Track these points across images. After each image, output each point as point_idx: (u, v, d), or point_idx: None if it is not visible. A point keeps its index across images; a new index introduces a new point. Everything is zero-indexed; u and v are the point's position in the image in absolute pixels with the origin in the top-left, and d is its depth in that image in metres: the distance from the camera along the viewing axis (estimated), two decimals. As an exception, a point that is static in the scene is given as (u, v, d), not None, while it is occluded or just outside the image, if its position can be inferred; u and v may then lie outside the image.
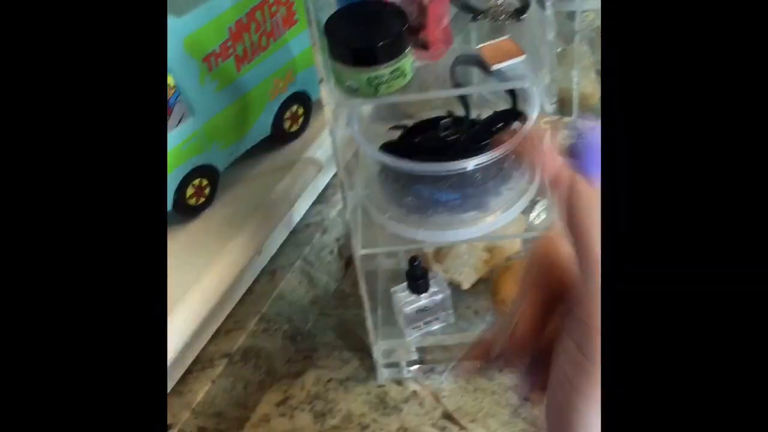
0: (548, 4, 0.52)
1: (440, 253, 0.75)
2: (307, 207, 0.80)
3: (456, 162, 0.59)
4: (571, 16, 0.79)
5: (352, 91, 0.54)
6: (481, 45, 0.55)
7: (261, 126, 0.72)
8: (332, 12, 0.55)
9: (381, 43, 0.52)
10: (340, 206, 0.81)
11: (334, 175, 0.82)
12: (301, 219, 0.79)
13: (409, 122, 0.69)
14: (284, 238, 0.77)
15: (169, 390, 0.66)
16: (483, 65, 0.55)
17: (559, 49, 0.76)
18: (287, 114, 0.73)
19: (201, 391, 0.66)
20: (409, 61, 0.54)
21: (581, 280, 0.29)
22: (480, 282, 0.77)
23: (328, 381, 0.75)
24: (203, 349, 0.69)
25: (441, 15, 0.55)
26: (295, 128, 0.75)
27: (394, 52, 0.52)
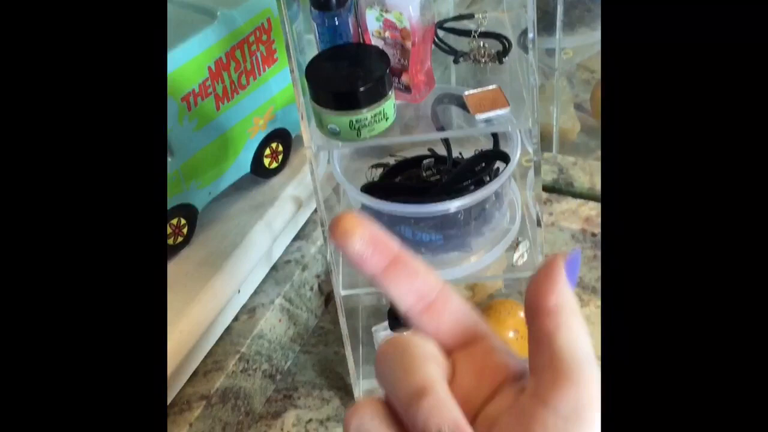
0: (531, 48, 0.52)
1: (421, 290, 0.75)
2: (287, 243, 0.79)
3: (438, 204, 0.58)
4: (550, 53, 0.80)
5: (334, 134, 0.54)
6: (467, 93, 0.55)
7: (240, 164, 0.71)
8: (314, 54, 0.55)
9: (363, 87, 0.51)
10: (320, 242, 0.80)
11: (314, 211, 0.82)
12: (281, 255, 0.78)
13: (391, 161, 0.68)
14: (264, 275, 0.76)
15: (145, 434, 0.65)
16: (467, 108, 0.55)
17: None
18: (267, 151, 0.73)
19: (178, 435, 0.65)
20: (391, 103, 0.54)
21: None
22: (461, 319, 0.77)
23: (309, 421, 0.73)
24: (180, 391, 0.68)
25: (423, 57, 0.55)
26: (274, 165, 0.75)
27: (377, 95, 0.52)
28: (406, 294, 0.31)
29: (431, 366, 0.29)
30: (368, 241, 0.30)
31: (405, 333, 0.30)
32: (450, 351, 0.31)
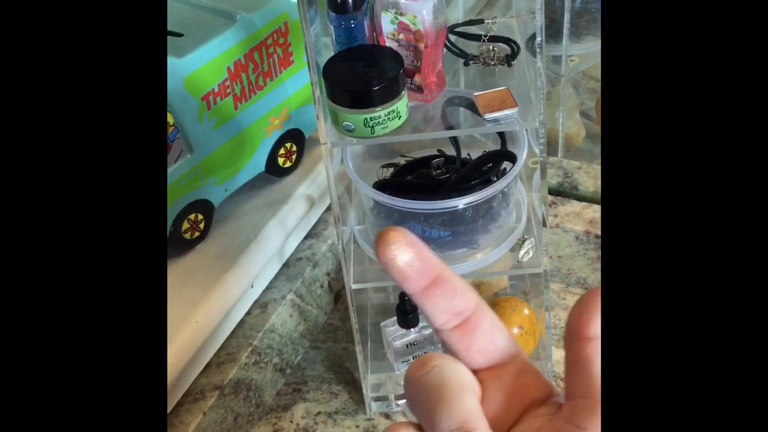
0: (539, 52, 0.54)
1: (429, 288, 0.77)
2: (299, 241, 0.81)
3: (447, 200, 0.61)
4: (557, 60, 0.82)
5: (349, 131, 0.56)
6: (477, 93, 0.57)
7: (256, 162, 0.73)
8: (330, 55, 0.57)
9: (377, 86, 0.54)
10: (330, 241, 0.82)
11: (325, 210, 0.84)
12: (293, 253, 0.80)
13: (401, 160, 0.71)
14: (276, 271, 0.78)
15: (160, 422, 0.67)
16: (475, 110, 0.57)
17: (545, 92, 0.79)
18: (281, 150, 0.75)
19: (192, 423, 0.67)
20: (404, 103, 0.56)
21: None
22: (468, 317, 0.79)
23: (317, 414, 0.75)
24: (195, 381, 0.70)
25: (435, 59, 0.57)
26: (288, 164, 0.77)
27: (390, 94, 0.54)
28: (442, 312, 0.30)
29: (469, 398, 0.28)
30: (414, 257, 0.29)
31: (435, 354, 0.30)
32: (477, 370, 0.31)
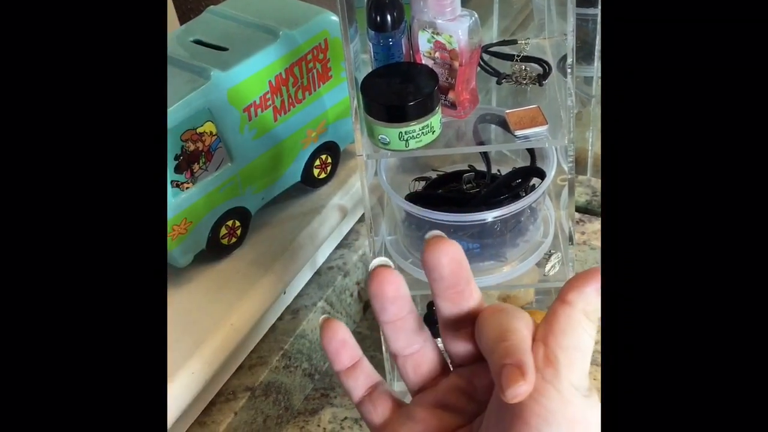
0: (569, 72, 0.56)
1: (457, 299, 0.79)
2: (331, 250, 0.84)
3: (477, 213, 0.63)
4: (588, 81, 0.84)
5: (384, 144, 0.58)
6: (508, 111, 0.59)
7: (292, 173, 0.76)
8: (369, 71, 0.60)
9: (413, 102, 0.56)
10: (361, 251, 0.84)
11: (357, 222, 0.86)
12: (325, 262, 0.83)
13: (433, 174, 0.73)
14: (308, 279, 0.81)
15: (192, 420, 0.69)
16: (507, 128, 0.59)
17: (575, 111, 0.80)
18: (317, 162, 0.78)
19: (224, 422, 0.69)
20: (438, 118, 0.58)
21: None
22: (493, 329, 0.81)
23: (344, 419, 0.77)
24: (227, 382, 0.72)
25: (469, 77, 0.59)
26: (323, 176, 0.80)
27: (425, 110, 0.57)
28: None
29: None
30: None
31: None
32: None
